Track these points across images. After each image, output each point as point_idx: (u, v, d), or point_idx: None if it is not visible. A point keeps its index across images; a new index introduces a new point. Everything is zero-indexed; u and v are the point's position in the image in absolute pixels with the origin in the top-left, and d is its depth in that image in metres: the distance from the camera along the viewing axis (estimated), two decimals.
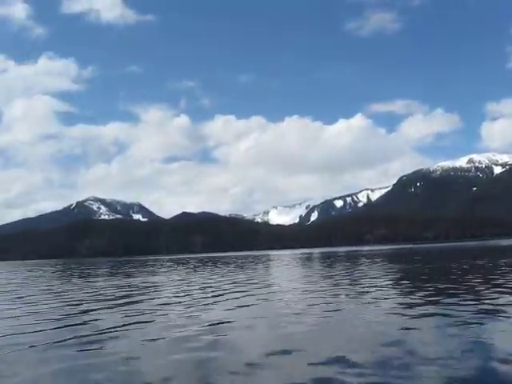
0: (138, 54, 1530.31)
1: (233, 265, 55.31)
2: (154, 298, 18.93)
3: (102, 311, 15.50)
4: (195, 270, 44.08)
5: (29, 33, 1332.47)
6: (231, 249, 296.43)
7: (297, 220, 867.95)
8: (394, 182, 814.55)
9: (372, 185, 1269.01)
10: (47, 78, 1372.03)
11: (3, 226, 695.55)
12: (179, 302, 17.09)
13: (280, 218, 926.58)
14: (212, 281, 27.64)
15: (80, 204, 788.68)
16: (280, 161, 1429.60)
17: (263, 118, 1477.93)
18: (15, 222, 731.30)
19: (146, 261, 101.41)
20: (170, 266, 59.32)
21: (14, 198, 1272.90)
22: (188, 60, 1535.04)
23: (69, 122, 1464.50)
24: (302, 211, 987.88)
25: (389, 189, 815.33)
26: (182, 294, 19.90)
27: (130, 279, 33.02)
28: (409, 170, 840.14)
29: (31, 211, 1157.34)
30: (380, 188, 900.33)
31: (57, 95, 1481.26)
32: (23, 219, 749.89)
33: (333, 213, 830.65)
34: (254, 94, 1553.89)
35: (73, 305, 17.45)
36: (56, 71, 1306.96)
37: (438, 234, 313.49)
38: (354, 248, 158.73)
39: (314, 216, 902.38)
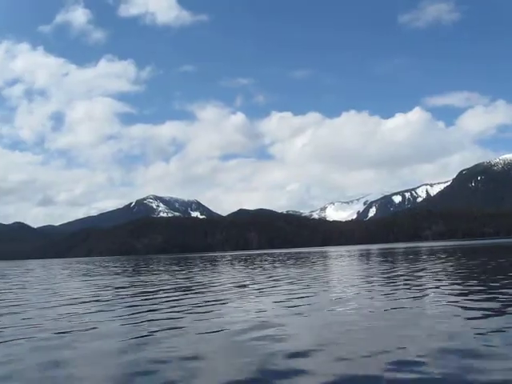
0: (193, 53, 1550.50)
1: (296, 261, 54.30)
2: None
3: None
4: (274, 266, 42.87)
5: (88, 37, 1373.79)
6: (287, 246, 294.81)
7: (354, 216, 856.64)
8: (454, 176, 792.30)
9: (431, 179, 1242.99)
10: (107, 80, 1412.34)
11: (67, 224, 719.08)
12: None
13: (337, 214, 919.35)
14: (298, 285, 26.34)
15: (139, 202, 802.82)
16: (337, 156, 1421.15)
17: (319, 113, 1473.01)
18: (78, 220, 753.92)
19: (214, 257, 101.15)
20: (245, 263, 58.15)
21: (77, 197, 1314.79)
22: (242, 58, 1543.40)
23: (128, 122, 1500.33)
24: (360, 207, 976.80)
25: (448, 183, 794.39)
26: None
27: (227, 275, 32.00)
28: (469, 164, 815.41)
29: (93, 210, 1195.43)
30: (439, 183, 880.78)
31: (116, 97, 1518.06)
32: (86, 217, 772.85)
33: (391, 208, 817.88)
34: (309, 90, 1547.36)
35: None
36: (115, 73, 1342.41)
37: (499, 229, 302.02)
38: (413, 244, 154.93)
39: (372, 212, 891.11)
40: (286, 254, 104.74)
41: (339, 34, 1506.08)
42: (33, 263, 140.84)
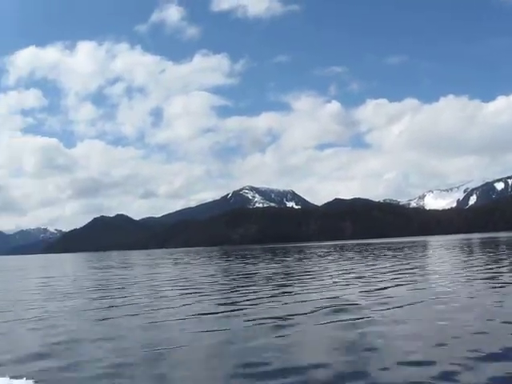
0: (285, 44, 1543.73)
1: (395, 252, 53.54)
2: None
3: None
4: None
5: (183, 34, 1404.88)
6: (382, 235, 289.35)
7: (454, 204, 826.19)
8: None
9: None
10: (202, 74, 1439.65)
11: (167, 215, 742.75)
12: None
13: (436, 202, 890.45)
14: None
15: (236, 193, 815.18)
16: (435, 143, 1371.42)
17: (416, 99, 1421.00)
18: (177, 211, 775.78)
19: (310, 247, 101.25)
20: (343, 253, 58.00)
21: (176, 189, 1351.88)
22: (335, 46, 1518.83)
23: (224, 115, 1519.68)
24: (460, 195, 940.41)
25: None
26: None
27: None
28: None
29: (192, 201, 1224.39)
30: None
31: (212, 90, 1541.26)
32: (185, 209, 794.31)
33: (493, 196, 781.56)
34: (405, 76, 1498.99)
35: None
36: (210, 67, 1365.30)
37: None
38: None
39: (473, 200, 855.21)
40: (383, 244, 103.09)
41: (433, 17, 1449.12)
42: (145, 253, 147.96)
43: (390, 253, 51.52)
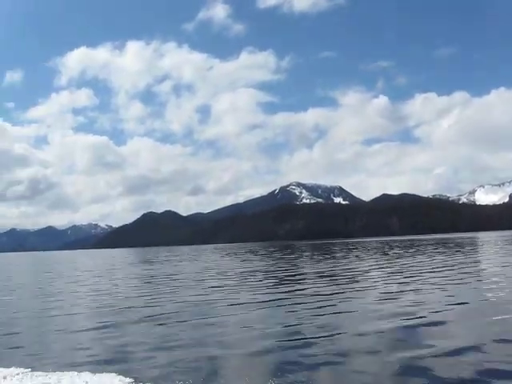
0: (331, 39, 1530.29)
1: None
2: None
3: None
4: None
5: (229, 31, 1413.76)
6: (430, 231, 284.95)
7: (506, 199, 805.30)
8: None
9: None
10: (249, 71, 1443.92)
11: (215, 211, 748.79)
12: None
13: (487, 197, 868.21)
14: None
15: (283, 189, 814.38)
16: (487, 136, 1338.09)
17: (466, 92, 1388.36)
18: (226, 207, 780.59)
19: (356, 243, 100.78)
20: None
21: (225, 185, 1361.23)
22: (381, 40, 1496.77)
23: (271, 111, 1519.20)
24: None
25: None
26: None
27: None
28: None
29: (240, 197, 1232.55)
30: None
31: (259, 87, 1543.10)
32: (233, 205, 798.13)
33: None
34: (454, 69, 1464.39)
35: None
36: (256, 64, 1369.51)
37: None
38: None
39: None
40: (432, 240, 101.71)
41: (482, 7, 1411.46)
42: (196, 249, 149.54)
43: (440, 249, 50.77)
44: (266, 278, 25.25)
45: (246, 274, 28.75)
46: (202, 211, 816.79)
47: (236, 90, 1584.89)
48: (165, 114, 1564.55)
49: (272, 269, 32.85)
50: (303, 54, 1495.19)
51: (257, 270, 31.54)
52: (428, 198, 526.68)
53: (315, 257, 49.61)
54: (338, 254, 52.67)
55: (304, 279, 23.87)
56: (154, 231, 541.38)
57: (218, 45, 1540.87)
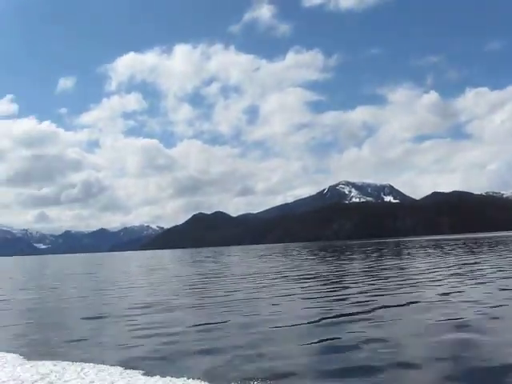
0: (379, 35, 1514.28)
1: None
2: None
3: None
4: None
5: (275, 31, 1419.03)
6: (483, 229, 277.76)
7: None
8: None
9: None
10: (296, 70, 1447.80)
11: (264, 211, 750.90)
12: None
13: None
14: None
15: (332, 188, 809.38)
16: None
17: None
18: (274, 207, 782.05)
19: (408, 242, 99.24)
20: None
21: (273, 185, 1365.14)
22: (431, 34, 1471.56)
23: (319, 110, 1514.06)
24: None
25: None
26: None
27: None
28: None
29: (289, 197, 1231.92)
30: None
31: (306, 86, 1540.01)
32: (281, 205, 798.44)
33: None
34: (506, 62, 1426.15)
35: None
36: (304, 63, 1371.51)
37: None
38: None
39: None
40: (486, 239, 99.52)
41: None
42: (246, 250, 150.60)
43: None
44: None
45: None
46: (251, 211, 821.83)
47: (283, 90, 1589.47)
48: (213, 116, 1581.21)
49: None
50: (350, 52, 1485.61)
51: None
52: (481, 195, 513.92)
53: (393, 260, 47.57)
54: (409, 255, 50.77)
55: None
56: (204, 232, 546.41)
57: (264, 45, 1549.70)
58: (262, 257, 66.81)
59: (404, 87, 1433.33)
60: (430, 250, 56.03)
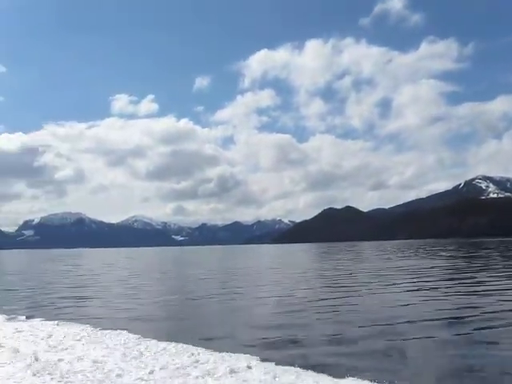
0: None
1: None
2: None
3: None
4: None
5: (407, 22, 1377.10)
6: None
7: None
8: None
9: None
10: (430, 61, 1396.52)
11: (396, 206, 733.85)
12: None
13: None
14: None
15: (468, 183, 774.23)
16: None
17: None
18: (407, 202, 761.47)
19: None
20: None
21: (407, 179, 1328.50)
22: None
23: (455, 101, 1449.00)
24: None
25: None
26: None
27: None
28: None
29: (424, 191, 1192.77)
30: None
31: (440, 77, 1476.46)
32: (414, 200, 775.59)
33: None
34: None
35: None
36: (438, 53, 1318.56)
37: None
38: None
39: None
40: None
41: None
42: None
43: None
44: None
45: None
46: (383, 206, 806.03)
47: (417, 82, 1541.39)
48: (345, 110, 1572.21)
49: None
50: (488, 39, 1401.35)
51: None
52: None
53: None
54: None
55: None
56: (333, 227, 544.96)
57: (396, 37, 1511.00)
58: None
59: None
60: None
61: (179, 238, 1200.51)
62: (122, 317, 17.46)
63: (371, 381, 8.88)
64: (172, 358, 10.96)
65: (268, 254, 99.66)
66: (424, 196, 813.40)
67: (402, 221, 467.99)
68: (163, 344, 12.40)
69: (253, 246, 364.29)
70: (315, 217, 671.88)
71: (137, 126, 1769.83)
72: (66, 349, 12.10)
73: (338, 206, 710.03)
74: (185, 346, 12.14)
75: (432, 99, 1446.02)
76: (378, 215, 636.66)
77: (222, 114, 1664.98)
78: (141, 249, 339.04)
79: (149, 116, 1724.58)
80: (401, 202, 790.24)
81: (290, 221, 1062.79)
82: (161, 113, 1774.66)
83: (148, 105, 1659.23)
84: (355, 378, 9.05)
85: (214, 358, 10.86)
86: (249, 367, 9.97)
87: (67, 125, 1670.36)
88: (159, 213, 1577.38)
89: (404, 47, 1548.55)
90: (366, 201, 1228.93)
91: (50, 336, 13.85)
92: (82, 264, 74.22)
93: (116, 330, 14.69)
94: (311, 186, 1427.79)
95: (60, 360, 10.83)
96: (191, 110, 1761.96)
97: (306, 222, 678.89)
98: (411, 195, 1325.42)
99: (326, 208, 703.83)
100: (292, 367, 9.86)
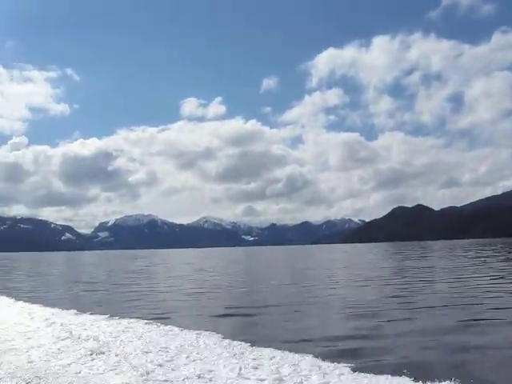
0: None
1: None
2: None
3: None
4: None
5: (478, 13, 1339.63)
6: None
7: None
8: None
9: None
10: (503, 53, 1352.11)
11: (470, 204, 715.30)
12: None
13: None
14: None
15: None
16: None
17: None
18: (481, 200, 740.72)
19: None
20: None
21: (481, 176, 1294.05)
22: None
23: None
24: None
25: None
26: None
27: None
28: None
29: (499, 188, 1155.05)
30: None
31: None
32: (489, 197, 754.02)
33: None
34: None
35: None
36: (510, 44, 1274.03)
37: None
38: None
39: None
40: None
41: None
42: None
43: None
44: None
45: None
46: (455, 205, 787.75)
47: (490, 75, 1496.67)
48: (415, 106, 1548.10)
49: None
50: None
51: None
52: None
53: None
54: None
55: None
56: (403, 226, 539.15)
57: (466, 29, 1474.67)
58: None
59: None
60: None
61: (249, 238, 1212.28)
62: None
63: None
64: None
65: (358, 254, 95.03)
66: (499, 193, 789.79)
67: (476, 219, 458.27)
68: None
69: (323, 245, 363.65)
70: (385, 216, 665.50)
71: (206, 128, 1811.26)
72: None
73: (409, 205, 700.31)
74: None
75: (506, 92, 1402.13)
76: (450, 213, 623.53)
77: (290, 114, 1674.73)
78: (214, 249, 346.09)
79: (217, 118, 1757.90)
80: (474, 200, 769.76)
81: (359, 220, 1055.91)
82: (229, 115, 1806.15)
83: (216, 107, 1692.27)
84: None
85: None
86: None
87: (139, 129, 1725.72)
88: (229, 213, 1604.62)
89: (475, 39, 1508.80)
90: (438, 199, 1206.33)
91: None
92: (176, 265, 74.95)
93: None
94: (381, 184, 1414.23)
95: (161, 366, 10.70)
96: (259, 111, 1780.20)
97: (375, 220, 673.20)
98: (485, 192, 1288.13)
99: (396, 207, 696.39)
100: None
